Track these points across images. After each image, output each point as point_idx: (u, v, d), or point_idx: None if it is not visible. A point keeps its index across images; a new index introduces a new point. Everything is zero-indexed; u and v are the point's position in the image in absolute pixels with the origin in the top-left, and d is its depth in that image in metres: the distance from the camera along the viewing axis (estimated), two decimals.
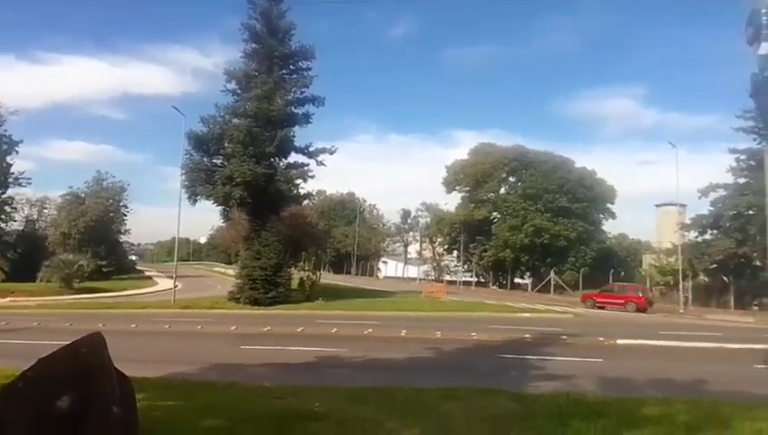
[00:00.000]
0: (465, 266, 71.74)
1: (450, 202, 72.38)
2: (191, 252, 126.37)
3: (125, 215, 66.45)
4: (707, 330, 24.09)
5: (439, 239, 76.78)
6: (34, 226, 66.39)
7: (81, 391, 3.39)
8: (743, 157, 41.20)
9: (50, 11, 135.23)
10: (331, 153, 35.30)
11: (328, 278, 52.59)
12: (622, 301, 36.48)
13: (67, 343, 3.83)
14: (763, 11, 8.07)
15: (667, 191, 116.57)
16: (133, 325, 22.07)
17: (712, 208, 43.84)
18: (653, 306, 37.11)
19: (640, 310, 35.10)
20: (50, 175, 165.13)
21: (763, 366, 13.42)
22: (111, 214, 63.61)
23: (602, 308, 36.08)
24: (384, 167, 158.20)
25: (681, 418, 7.09)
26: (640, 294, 37.39)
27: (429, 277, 74.06)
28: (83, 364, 3.53)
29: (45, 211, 69.91)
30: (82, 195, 63.01)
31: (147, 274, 71.14)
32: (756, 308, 38.01)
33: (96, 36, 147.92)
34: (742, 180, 41.55)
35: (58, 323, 22.39)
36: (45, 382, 3.37)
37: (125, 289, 45.17)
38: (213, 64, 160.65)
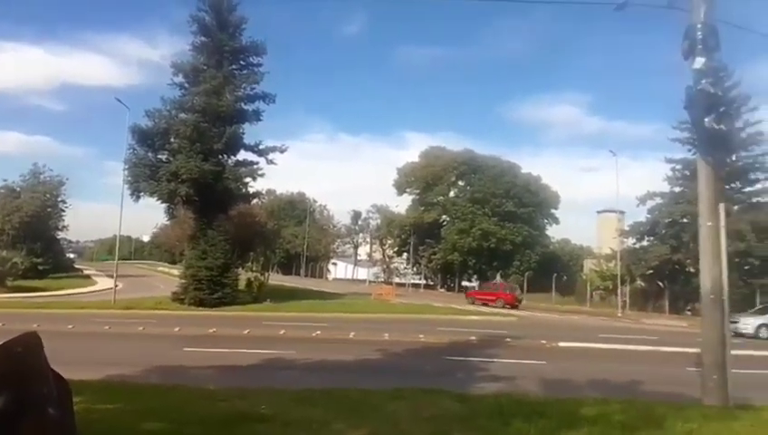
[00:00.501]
0: (415, 269, 72.41)
1: (401, 204, 73.10)
2: (133, 251, 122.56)
3: (63, 210, 63.57)
4: (644, 333, 25.17)
5: (389, 241, 77.25)
6: None
7: (16, 392, 3.25)
8: (678, 166, 43.17)
9: None
10: (282, 152, 34.91)
11: (276, 279, 51.99)
12: (494, 297, 41.67)
13: (0, 342, 3.67)
14: (698, 26, 8.49)
15: (608, 198, 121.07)
16: (70, 326, 21.20)
17: (649, 216, 45.76)
18: (522, 304, 42.01)
19: (507, 305, 39.61)
20: None
21: (695, 368, 14.08)
22: (49, 209, 60.77)
23: (485, 304, 40.00)
24: (335, 167, 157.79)
25: (617, 417, 7.37)
26: (508, 292, 42.82)
27: (379, 279, 74.32)
28: (18, 365, 3.39)
29: None
30: (17, 189, 59.96)
31: (86, 272, 68.41)
32: (689, 313, 39.80)
33: (34, 22, 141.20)
34: (677, 189, 43.51)
35: None
36: None
37: (62, 288, 43.31)
38: (160, 56, 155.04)
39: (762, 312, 28.41)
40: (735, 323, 26.71)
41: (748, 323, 26.57)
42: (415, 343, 19.48)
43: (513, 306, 39.84)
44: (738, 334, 25.24)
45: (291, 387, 9.37)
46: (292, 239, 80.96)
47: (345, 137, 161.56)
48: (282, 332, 20.87)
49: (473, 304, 40.92)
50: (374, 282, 70.25)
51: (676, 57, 8.93)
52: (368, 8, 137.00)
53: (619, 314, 39.06)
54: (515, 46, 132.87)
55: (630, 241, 48.64)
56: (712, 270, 8.94)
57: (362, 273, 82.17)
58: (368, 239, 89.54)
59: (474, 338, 20.89)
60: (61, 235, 67.61)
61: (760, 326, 26.25)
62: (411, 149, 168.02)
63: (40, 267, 53.22)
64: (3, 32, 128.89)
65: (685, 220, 40.12)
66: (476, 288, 50.97)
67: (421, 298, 45.48)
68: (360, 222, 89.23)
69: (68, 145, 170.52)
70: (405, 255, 72.69)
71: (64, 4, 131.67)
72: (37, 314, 24.80)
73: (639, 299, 45.68)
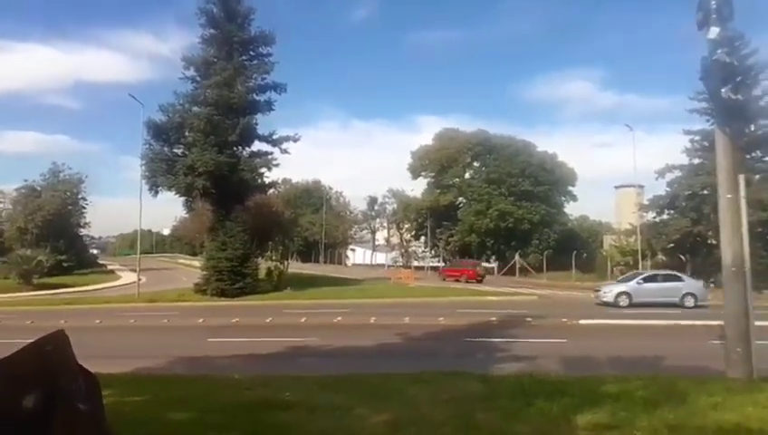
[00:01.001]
0: (433, 252, 72.38)
1: (416, 188, 72.86)
2: (154, 244, 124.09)
3: (84, 207, 64.53)
4: (666, 308, 24.96)
5: (406, 225, 77.20)
6: None
7: (46, 389, 3.36)
8: (697, 138, 42.32)
9: None
10: (295, 141, 35.02)
11: (296, 267, 52.37)
12: (459, 274, 46.58)
13: (29, 341, 3.78)
14: None
15: (625, 173, 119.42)
16: (97, 321, 21.67)
17: (668, 189, 45.02)
18: (484, 278, 46.43)
19: (470, 280, 44.40)
20: (2, 167, 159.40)
21: (719, 341, 13.98)
22: (70, 207, 61.69)
23: (457, 280, 44.80)
24: (349, 153, 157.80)
25: (639, 393, 7.36)
26: (470, 269, 47.53)
27: (397, 264, 74.44)
28: (47, 362, 3.50)
29: None
30: (38, 188, 60.90)
31: (109, 267, 69.54)
32: (712, 285, 39.37)
33: (45, 22, 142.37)
34: (696, 161, 42.71)
35: (18, 320, 21.84)
36: (9, 383, 3.33)
37: (87, 284, 44.13)
38: (170, 50, 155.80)
39: (624, 281, 28.53)
40: (598, 291, 27.88)
41: (608, 292, 27.07)
42: (435, 325, 19.56)
43: (477, 280, 44.72)
44: (602, 303, 26.44)
45: (314, 373, 9.51)
46: (309, 227, 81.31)
47: (358, 123, 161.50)
48: (303, 319, 21.09)
49: (444, 280, 46.16)
50: (392, 266, 70.42)
51: (690, 28, 8.75)
52: None
53: None
54: (525, 26, 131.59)
55: (650, 215, 47.99)
56: (732, 242, 8.83)
57: (381, 258, 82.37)
58: (385, 224, 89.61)
59: (494, 319, 20.90)
60: (83, 231, 68.73)
61: (619, 294, 26.41)
62: (424, 132, 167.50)
63: (64, 264, 54.22)
64: (14, 32, 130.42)
65: (705, 192, 39.43)
66: (447, 266, 55.40)
67: (440, 281, 45.54)
68: (376, 207, 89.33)
69: (85, 142, 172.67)
70: (422, 238, 72.64)
71: (70, 2, 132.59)
72: (64, 311, 25.35)
73: None
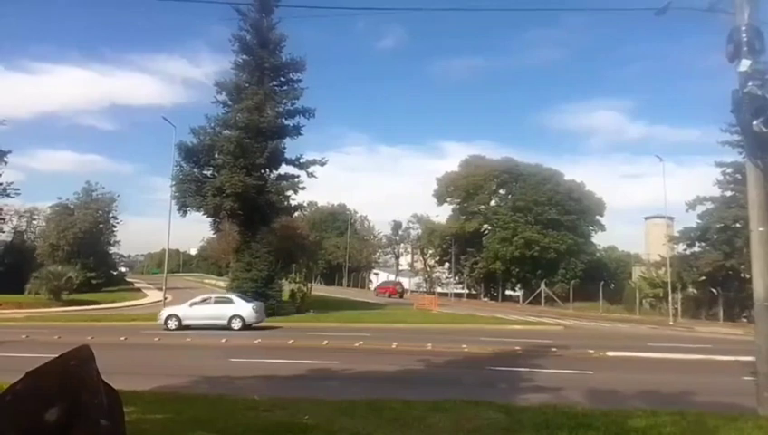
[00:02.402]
0: (457, 278, 71.84)
1: (441, 214, 72.74)
2: (181, 263, 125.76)
3: (115, 226, 66.03)
4: (697, 342, 24.30)
5: (430, 251, 76.89)
6: (23, 237, 65.83)
7: (70, 403, 3.42)
8: (729, 170, 41.64)
9: (37, 20, 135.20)
10: (322, 165, 35.47)
11: (319, 290, 52.49)
12: (385, 291, 62.06)
13: (55, 356, 3.85)
14: (743, 28, 8.25)
15: (654, 204, 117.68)
16: (122, 338, 21.93)
17: (699, 221, 44.23)
18: (406, 295, 62.40)
19: (392, 296, 59.77)
20: (38, 185, 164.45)
21: (751, 378, 13.52)
22: (101, 225, 63.12)
23: (391, 296, 59.52)
24: (374, 178, 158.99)
25: (667, 430, 7.16)
26: (392, 287, 64.48)
27: (421, 289, 74.05)
28: (71, 377, 3.56)
29: (34, 222, 69.47)
30: (72, 206, 62.53)
31: (136, 285, 70.61)
32: (745, 320, 38.25)
33: (83, 46, 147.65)
34: (728, 193, 41.96)
35: (46, 335, 22.19)
36: (34, 396, 3.39)
37: (114, 301, 44.82)
38: (203, 74, 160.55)
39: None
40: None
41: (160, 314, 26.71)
42: (457, 353, 19.31)
43: (399, 296, 60.22)
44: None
45: (333, 397, 9.45)
46: (333, 250, 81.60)
47: (383, 148, 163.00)
48: (325, 342, 21.03)
49: (377, 295, 59.22)
50: (416, 292, 70.07)
51: (720, 60, 8.69)
52: (404, 22, 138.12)
53: (671, 323, 37.79)
54: (551, 55, 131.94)
55: (681, 247, 47.07)
56: (764, 276, 8.61)
57: (404, 283, 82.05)
58: (409, 249, 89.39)
59: (518, 348, 20.55)
60: (113, 249, 70.27)
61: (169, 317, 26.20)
62: (449, 158, 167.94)
63: (93, 281, 55.26)
64: (52, 55, 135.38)
65: (737, 225, 38.63)
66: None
67: (464, 308, 45.13)
68: (400, 232, 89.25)
69: (118, 163, 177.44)
70: (446, 264, 72.23)
71: (108, 28, 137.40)
72: (91, 327, 25.77)
73: (692, 306, 44.08)
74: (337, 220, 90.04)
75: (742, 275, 38.78)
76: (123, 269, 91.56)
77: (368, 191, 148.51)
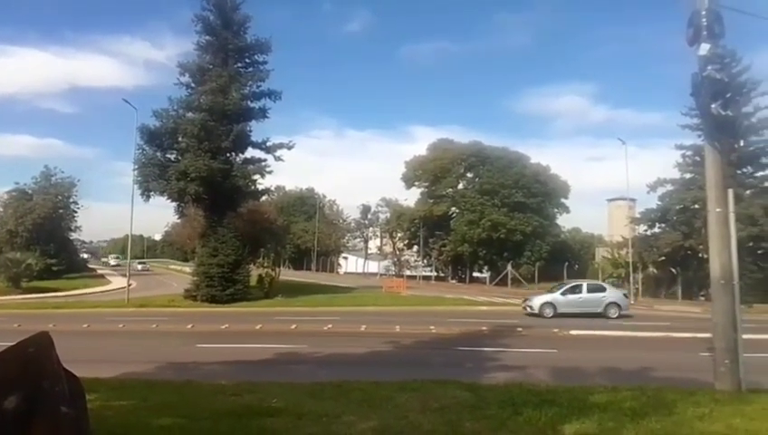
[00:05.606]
0: (425, 261, 72.40)
1: (410, 197, 73.02)
2: (146, 249, 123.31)
3: (75, 211, 64.18)
4: (656, 320, 25.05)
5: (399, 234, 77.23)
6: None
7: (29, 391, 3.34)
8: (688, 153, 42.65)
9: None
10: (289, 148, 35.08)
11: (288, 275, 52.26)
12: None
13: (13, 343, 3.75)
14: (703, 12, 8.40)
15: (617, 187, 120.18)
16: (85, 325, 21.49)
17: (660, 203, 45.32)
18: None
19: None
20: None
21: (708, 354, 14.00)
22: (61, 210, 61.36)
23: None
24: (343, 162, 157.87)
25: (627, 404, 7.36)
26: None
27: (390, 272, 74.37)
28: (30, 364, 3.47)
29: None
30: (30, 191, 60.58)
31: (99, 272, 69.12)
32: (703, 298, 39.49)
33: (41, 27, 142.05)
34: (688, 175, 43.02)
35: (5, 323, 21.57)
36: None
37: (76, 288, 43.83)
38: (165, 57, 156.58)
39: (550, 291, 28.53)
40: (526, 301, 28.05)
41: (533, 303, 27.12)
42: (425, 334, 19.53)
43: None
44: (530, 314, 26.32)
45: (302, 380, 9.46)
46: (302, 235, 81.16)
47: (352, 132, 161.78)
48: (293, 326, 21.00)
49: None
50: (385, 275, 70.33)
51: (682, 44, 8.83)
52: (370, 4, 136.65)
53: (632, 302, 38.75)
54: (519, 39, 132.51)
55: (642, 228, 48.24)
56: (721, 255, 8.88)
57: (373, 266, 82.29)
58: (378, 233, 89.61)
59: (485, 328, 20.90)
60: (74, 235, 68.39)
61: (543, 305, 26.55)
62: (418, 142, 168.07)
63: (54, 268, 53.78)
64: (9, 36, 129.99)
65: (696, 206, 39.70)
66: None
67: (432, 290, 45.50)
68: (369, 216, 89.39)
69: (78, 147, 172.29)
70: (415, 247, 72.69)
71: (67, 7, 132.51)
72: (52, 314, 25.15)
73: (652, 286, 45.37)
74: (305, 204, 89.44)
75: (700, 254, 39.94)
76: (85, 256, 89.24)
77: (336, 175, 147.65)
